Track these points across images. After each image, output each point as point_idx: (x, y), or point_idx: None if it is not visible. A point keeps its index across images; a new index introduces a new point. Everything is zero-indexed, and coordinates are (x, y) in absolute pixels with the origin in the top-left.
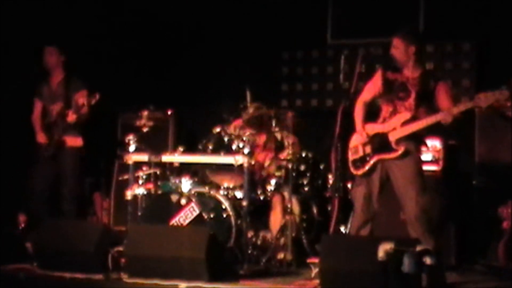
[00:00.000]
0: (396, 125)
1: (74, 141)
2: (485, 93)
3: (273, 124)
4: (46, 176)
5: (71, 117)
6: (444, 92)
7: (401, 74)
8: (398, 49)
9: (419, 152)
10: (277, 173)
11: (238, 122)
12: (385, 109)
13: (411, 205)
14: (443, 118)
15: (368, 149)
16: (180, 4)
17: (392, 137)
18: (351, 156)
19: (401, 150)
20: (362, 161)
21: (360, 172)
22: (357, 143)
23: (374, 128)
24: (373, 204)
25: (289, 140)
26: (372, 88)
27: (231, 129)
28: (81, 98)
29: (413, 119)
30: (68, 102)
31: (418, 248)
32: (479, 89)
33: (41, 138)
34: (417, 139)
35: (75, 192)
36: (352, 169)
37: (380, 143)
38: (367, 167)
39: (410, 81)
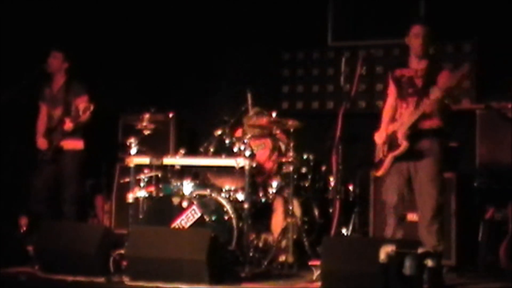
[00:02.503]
0: (404, 120)
1: (75, 144)
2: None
3: (274, 128)
4: (47, 179)
5: (68, 125)
6: (443, 80)
7: (408, 69)
8: (420, 36)
9: (441, 151)
10: (279, 176)
11: (239, 131)
12: (400, 106)
13: (431, 203)
14: (435, 95)
15: (385, 149)
16: (180, 6)
17: (400, 133)
18: (376, 157)
19: (403, 145)
20: (381, 162)
21: (379, 173)
22: (379, 143)
23: (392, 127)
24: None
25: (290, 143)
26: (390, 93)
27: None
28: (82, 104)
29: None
30: (67, 108)
31: (420, 250)
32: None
33: (41, 144)
34: (441, 136)
35: (76, 195)
36: (374, 171)
37: (391, 141)
38: (385, 168)
39: (418, 73)
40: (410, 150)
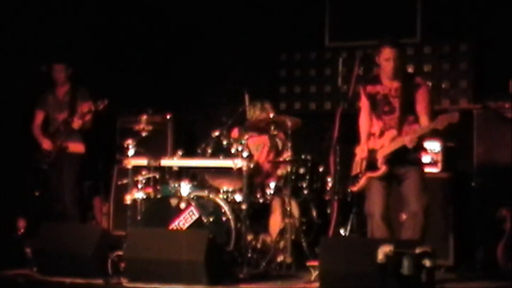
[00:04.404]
0: (384, 142)
1: (76, 147)
2: (442, 115)
3: (272, 128)
4: (48, 181)
5: (77, 123)
6: (421, 100)
7: (382, 86)
8: (392, 60)
9: (420, 161)
10: (278, 174)
11: (235, 131)
12: (377, 125)
13: (420, 199)
14: (408, 143)
15: (364, 165)
16: (178, 7)
17: (380, 155)
18: (353, 171)
19: (382, 170)
20: (356, 178)
21: (354, 189)
22: (358, 158)
23: (372, 143)
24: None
25: (288, 143)
26: (363, 106)
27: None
28: (88, 105)
29: (400, 135)
30: (73, 111)
31: (418, 250)
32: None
33: (46, 144)
34: (416, 148)
35: (77, 197)
36: (350, 185)
37: (370, 160)
38: (360, 185)
39: (393, 93)
40: (390, 173)
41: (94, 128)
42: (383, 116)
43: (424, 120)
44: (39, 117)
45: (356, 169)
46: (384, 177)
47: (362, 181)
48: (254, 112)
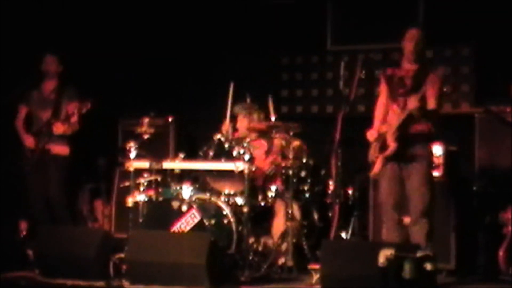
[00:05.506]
0: (393, 121)
1: (60, 149)
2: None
3: (274, 131)
4: (39, 183)
5: (58, 129)
6: (432, 85)
7: (399, 69)
8: (414, 40)
9: (432, 155)
10: (279, 179)
11: (225, 125)
12: (391, 107)
13: (422, 202)
14: (411, 107)
15: (377, 149)
16: (179, 10)
17: (389, 133)
18: (370, 158)
19: (392, 146)
20: (373, 163)
21: (371, 174)
22: (372, 143)
23: (385, 127)
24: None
25: (291, 145)
26: (382, 91)
27: (222, 132)
28: (72, 107)
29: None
30: (57, 110)
31: (419, 254)
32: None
33: (28, 141)
34: (431, 140)
35: (63, 200)
36: (368, 172)
37: (382, 142)
38: (377, 168)
39: (409, 74)
40: (402, 154)
41: (96, 131)
42: (398, 98)
43: (431, 103)
44: (22, 113)
45: (372, 155)
46: (395, 158)
47: (377, 165)
48: (243, 118)
